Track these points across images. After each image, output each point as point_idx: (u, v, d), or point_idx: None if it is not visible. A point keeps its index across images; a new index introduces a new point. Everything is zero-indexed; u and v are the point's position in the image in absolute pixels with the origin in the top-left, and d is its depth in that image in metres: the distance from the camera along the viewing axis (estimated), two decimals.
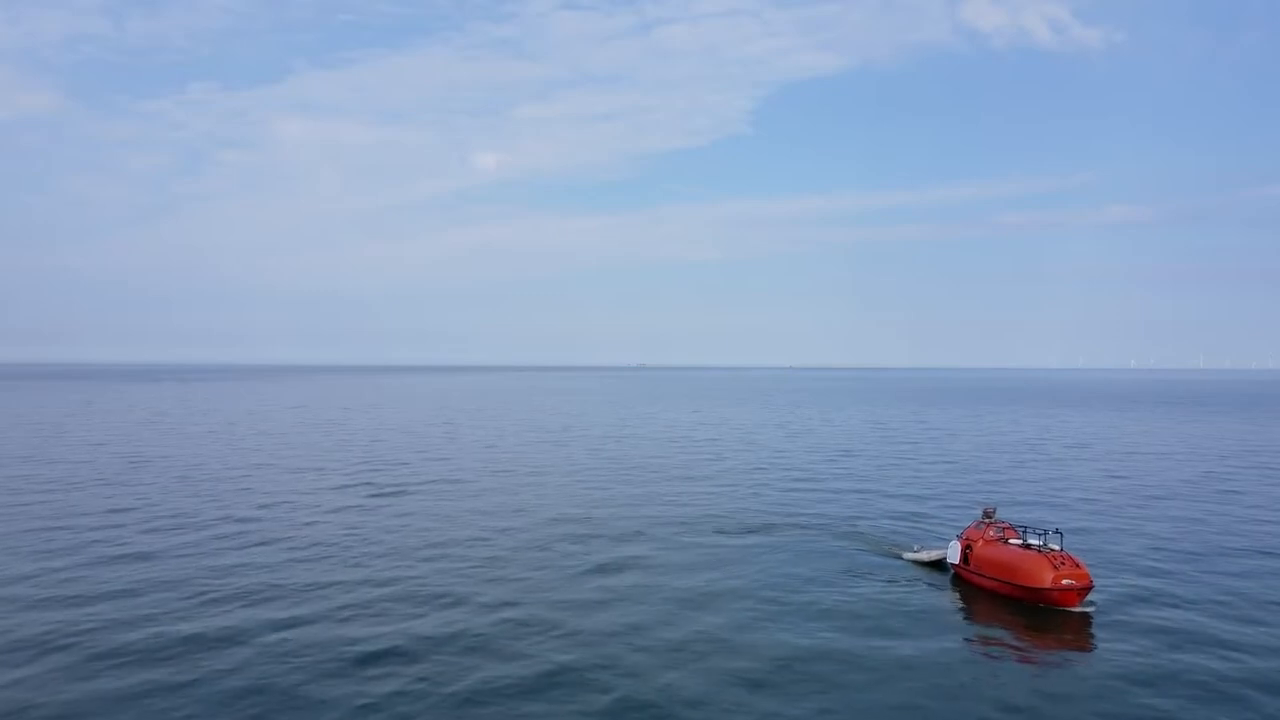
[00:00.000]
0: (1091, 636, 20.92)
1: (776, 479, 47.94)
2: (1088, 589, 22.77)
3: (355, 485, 44.50)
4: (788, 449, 65.48)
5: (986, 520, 26.37)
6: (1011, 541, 24.95)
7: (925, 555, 27.95)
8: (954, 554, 26.49)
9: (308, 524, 33.99)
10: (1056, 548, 23.94)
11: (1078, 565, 23.02)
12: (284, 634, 20.46)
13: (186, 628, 20.88)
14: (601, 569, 26.78)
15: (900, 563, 28.08)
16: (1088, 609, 22.53)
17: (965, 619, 22.65)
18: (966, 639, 20.91)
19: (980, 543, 25.44)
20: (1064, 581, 22.55)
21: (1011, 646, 20.36)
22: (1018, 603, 23.30)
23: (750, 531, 32.83)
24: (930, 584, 25.62)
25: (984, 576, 24.75)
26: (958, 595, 24.57)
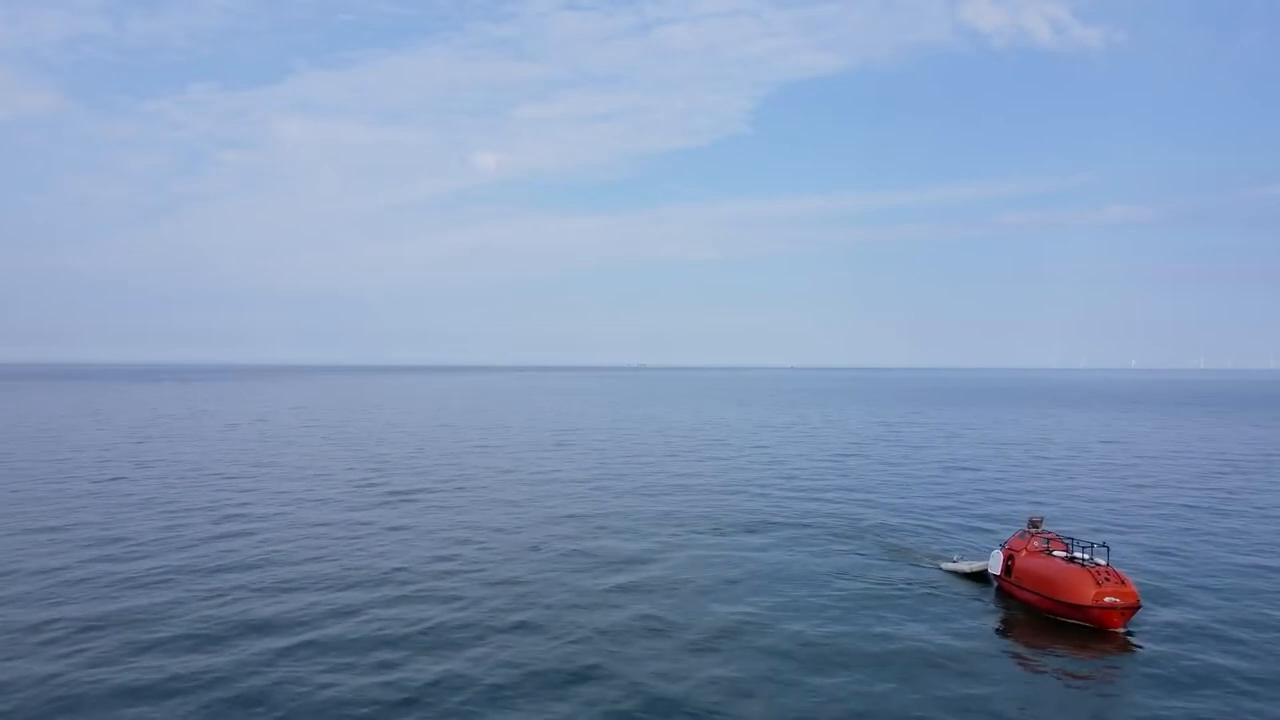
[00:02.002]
0: (1128, 668, 19.26)
1: (789, 483, 46.66)
2: (1133, 609, 21.37)
3: (356, 490, 43.26)
4: (796, 451, 64.25)
5: (1032, 530, 25.10)
6: (1056, 554, 23.67)
7: (965, 566, 26.67)
8: (995, 564, 25.25)
9: (308, 534, 32.75)
10: (1102, 562, 22.66)
11: (1123, 582, 21.67)
12: (283, 660, 19.22)
13: (184, 658, 19.64)
14: (612, 589, 25.14)
15: (939, 574, 26.79)
16: (1131, 632, 21.21)
17: (1003, 643, 21.31)
18: (1008, 667, 19.62)
19: (1023, 554, 24.19)
20: (1107, 599, 21.21)
21: (1046, 675, 19.10)
22: (1060, 620, 22.02)
23: (771, 545, 31.40)
24: (971, 598, 24.30)
25: (1025, 590, 23.50)
26: (998, 615, 23.17)
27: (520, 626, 21.38)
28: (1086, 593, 21.39)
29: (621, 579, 26.03)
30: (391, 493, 42.36)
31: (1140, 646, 20.33)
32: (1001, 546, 25.79)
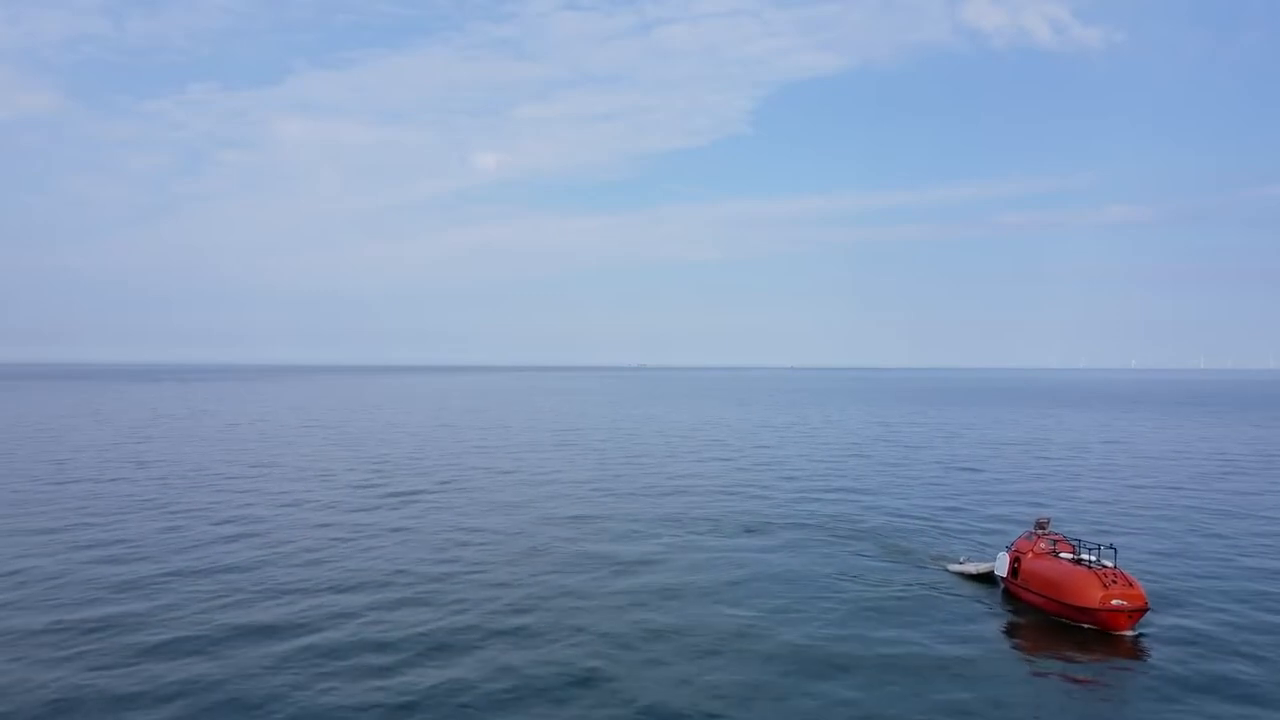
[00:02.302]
0: (1137, 671, 19.00)
1: (790, 484, 46.48)
2: (1141, 611, 21.18)
3: (357, 491, 43.10)
4: (796, 452, 64.08)
5: (1038, 531, 24.92)
6: (1063, 555, 23.50)
7: (971, 567, 26.52)
8: (1002, 566, 25.10)
9: (309, 536, 32.59)
10: (1110, 564, 22.49)
11: (1131, 584, 21.48)
12: (285, 664, 19.05)
13: (184, 661, 19.46)
14: (613, 592, 24.99)
15: (944, 576, 26.57)
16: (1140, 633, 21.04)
17: (1009, 646, 21.17)
18: (1015, 671, 19.43)
19: (1030, 555, 24.02)
20: (1114, 601, 21.02)
21: (1053, 678, 18.92)
22: (1067, 623, 21.84)
23: (773, 547, 31.24)
24: (976, 600, 24.10)
25: (1031, 592, 23.32)
26: (1005, 617, 22.98)
27: (522, 630, 21.22)
28: (1093, 595, 21.20)
29: (623, 582, 25.84)
30: (392, 494, 42.20)
31: (1149, 650, 20.14)
32: (1008, 548, 25.63)
